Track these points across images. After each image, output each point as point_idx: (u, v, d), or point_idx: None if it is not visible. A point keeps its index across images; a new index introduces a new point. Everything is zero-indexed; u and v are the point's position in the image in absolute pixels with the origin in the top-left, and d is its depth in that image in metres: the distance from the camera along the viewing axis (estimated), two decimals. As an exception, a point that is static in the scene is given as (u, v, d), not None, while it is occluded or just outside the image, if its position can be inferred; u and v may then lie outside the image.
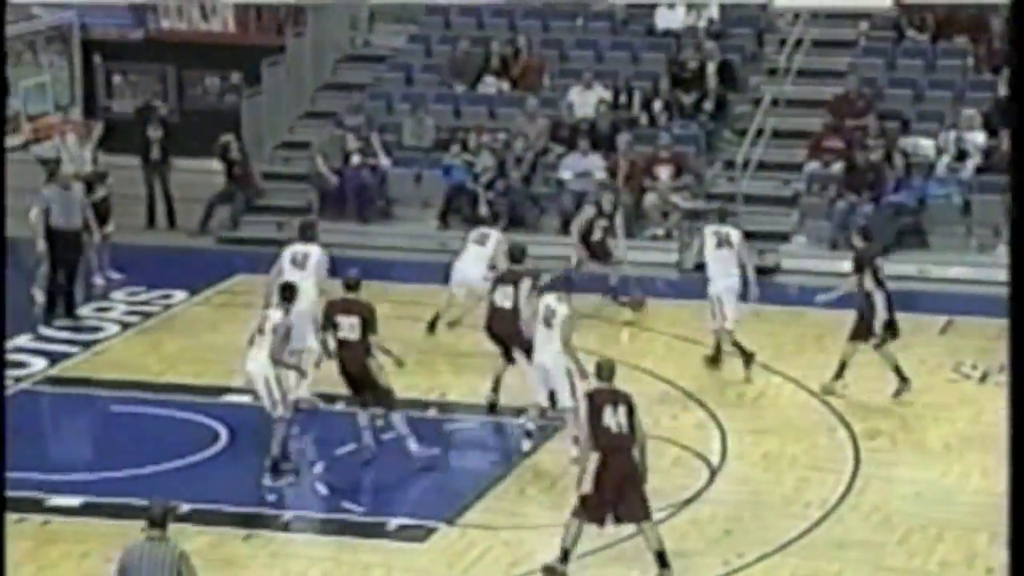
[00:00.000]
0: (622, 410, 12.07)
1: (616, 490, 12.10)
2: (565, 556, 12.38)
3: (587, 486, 12.06)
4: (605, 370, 12.34)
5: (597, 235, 18.82)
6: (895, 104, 22.35)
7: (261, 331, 14.21)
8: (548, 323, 14.50)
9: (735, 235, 16.85)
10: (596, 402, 12.15)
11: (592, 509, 12.16)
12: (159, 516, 10.10)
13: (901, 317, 16.19)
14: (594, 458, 12.03)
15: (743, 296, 16.71)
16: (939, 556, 12.97)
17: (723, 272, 16.69)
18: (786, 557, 13.00)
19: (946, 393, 16.32)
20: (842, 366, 16.04)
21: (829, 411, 15.97)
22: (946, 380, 16.66)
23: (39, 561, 12.92)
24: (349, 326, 14.39)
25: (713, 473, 14.56)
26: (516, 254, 15.99)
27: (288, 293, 14.53)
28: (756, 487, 14.33)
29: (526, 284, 15.46)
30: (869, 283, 15.82)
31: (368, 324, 14.36)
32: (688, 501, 13.96)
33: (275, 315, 14.30)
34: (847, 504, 13.93)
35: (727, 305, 16.59)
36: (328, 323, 14.50)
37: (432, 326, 17.95)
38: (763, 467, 14.74)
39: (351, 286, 14.62)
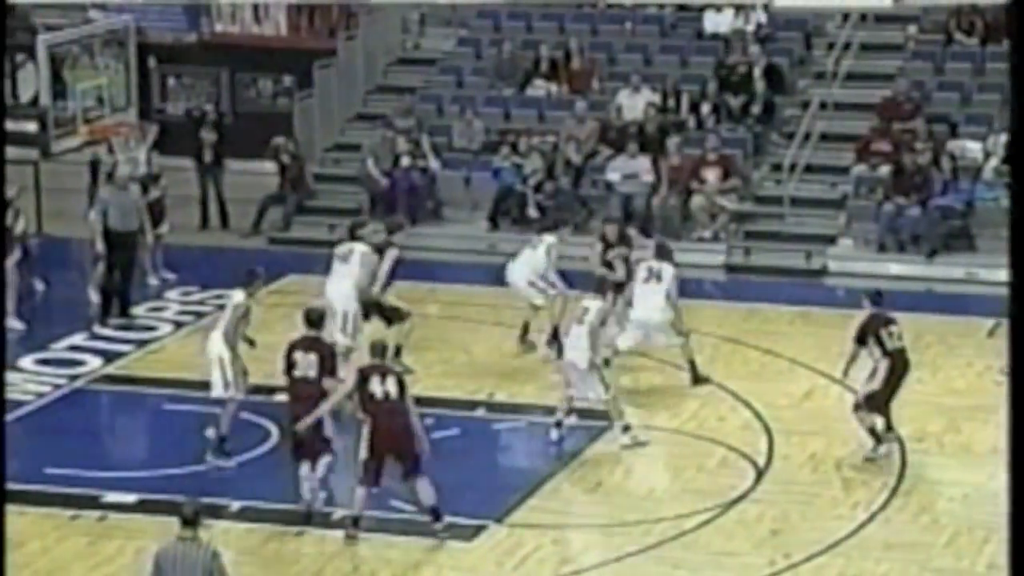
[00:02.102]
0: (390, 380, 13.00)
1: (388, 451, 13.04)
2: (355, 522, 13.23)
3: (363, 452, 13.07)
4: (378, 348, 13.32)
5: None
6: (943, 107, 22.34)
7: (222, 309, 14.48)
8: (580, 321, 14.97)
9: (667, 272, 16.37)
10: (364, 375, 13.08)
11: (370, 472, 13.11)
12: (191, 516, 10.20)
13: (949, 320, 16.17)
14: (366, 425, 13.03)
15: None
16: (986, 558, 12.99)
17: (645, 305, 16.29)
18: (833, 558, 13.06)
19: (993, 396, 16.31)
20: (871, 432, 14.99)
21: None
22: (993, 383, 16.66)
23: (94, 557, 13.11)
24: (307, 364, 13.56)
25: (760, 474, 14.63)
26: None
27: (249, 277, 14.67)
28: (803, 488, 14.38)
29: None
30: (877, 353, 14.67)
31: (324, 364, 13.53)
32: (735, 501, 14.04)
33: (237, 295, 14.51)
34: (894, 506, 13.97)
35: (653, 334, 16.44)
36: (286, 361, 13.66)
37: (524, 336, 17.63)
38: (810, 468, 14.79)
39: (313, 322, 13.79)
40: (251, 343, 15.08)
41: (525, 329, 17.52)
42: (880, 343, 14.65)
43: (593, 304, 15.19)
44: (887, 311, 15.04)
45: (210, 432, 14.60)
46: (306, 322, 13.81)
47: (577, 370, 14.99)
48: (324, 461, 13.54)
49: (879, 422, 14.78)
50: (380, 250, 16.68)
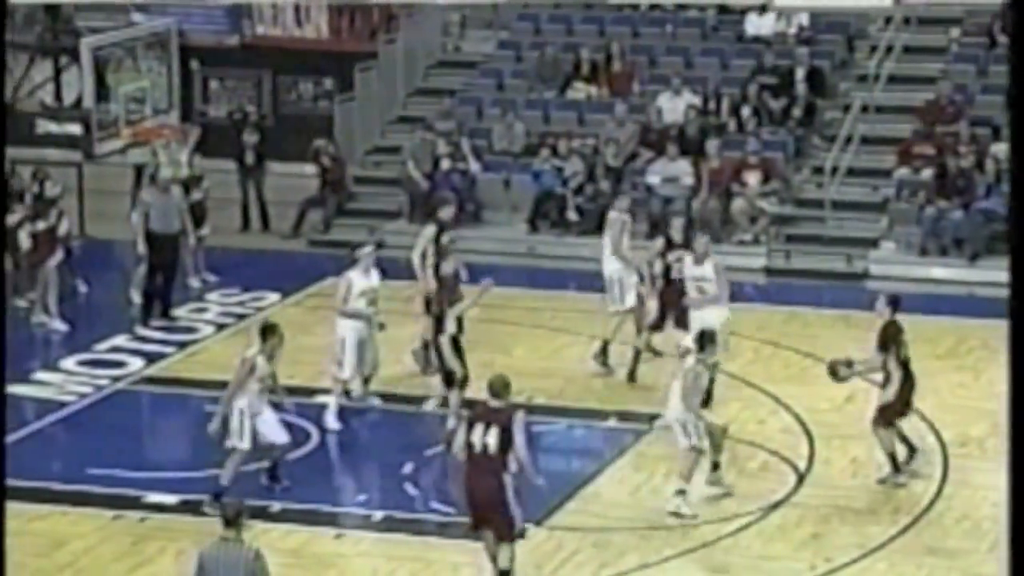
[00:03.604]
0: (493, 431, 11.53)
1: (480, 505, 11.69)
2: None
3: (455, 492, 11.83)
4: (497, 386, 11.77)
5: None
6: (986, 110, 22.23)
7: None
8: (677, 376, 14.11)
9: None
10: (471, 418, 11.76)
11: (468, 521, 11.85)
12: (233, 516, 10.20)
13: (991, 324, 16.09)
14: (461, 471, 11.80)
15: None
16: (1028, 564, 12.90)
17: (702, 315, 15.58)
18: (874, 562, 13.01)
19: (1037, 400, 16.19)
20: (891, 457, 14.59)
21: (918, 417, 15.92)
22: (1037, 387, 16.53)
23: (136, 557, 13.17)
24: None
25: (801, 478, 14.58)
26: None
27: (267, 333, 13.99)
28: (844, 492, 14.33)
29: None
30: (893, 363, 14.20)
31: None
32: (776, 505, 14.00)
33: (249, 350, 14.00)
34: (936, 511, 13.90)
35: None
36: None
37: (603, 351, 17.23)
38: (851, 472, 14.74)
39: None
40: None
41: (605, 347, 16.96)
42: (899, 351, 14.22)
43: (688, 359, 13.86)
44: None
45: (224, 481, 13.88)
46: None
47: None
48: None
49: (900, 449, 14.38)
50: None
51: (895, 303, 14.45)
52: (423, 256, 16.32)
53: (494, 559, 11.90)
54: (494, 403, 11.75)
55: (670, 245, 16.63)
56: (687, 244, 16.45)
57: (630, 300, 16.87)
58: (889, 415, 14.27)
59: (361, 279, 15.64)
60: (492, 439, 11.52)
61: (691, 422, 13.62)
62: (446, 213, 16.87)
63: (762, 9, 23.43)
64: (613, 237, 17.09)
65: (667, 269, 16.44)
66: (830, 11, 23.22)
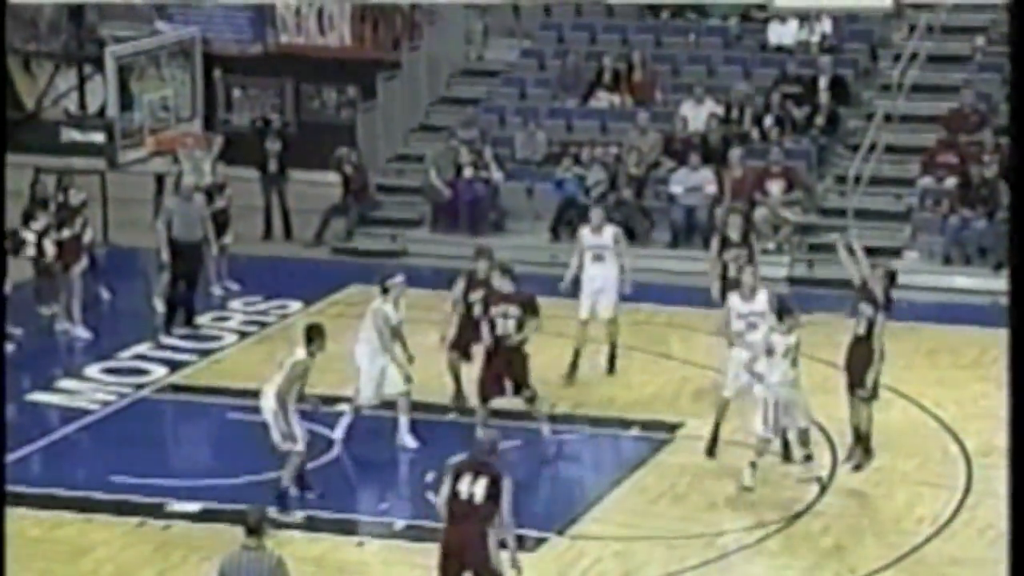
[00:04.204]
0: (481, 482, 11.24)
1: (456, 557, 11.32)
2: None
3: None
4: (486, 446, 11.55)
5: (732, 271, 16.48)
6: (1011, 119, 22.15)
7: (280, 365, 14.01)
8: (770, 352, 14.18)
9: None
10: (457, 470, 11.43)
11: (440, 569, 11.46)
12: (255, 524, 10.23)
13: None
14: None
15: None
16: (1053, 574, 12.85)
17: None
18: (898, 572, 12.98)
19: (1061, 410, 16.14)
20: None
21: (941, 427, 15.89)
22: (1061, 397, 16.47)
23: (159, 565, 13.21)
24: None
25: (823, 487, 14.55)
26: None
27: (310, 334, 14.03)
28: (867, 502, 14.30)
29: None
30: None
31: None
32: (799, 514, 13.97)
33: (298, 352, 14.04)
34: (960, 520, 13.86)
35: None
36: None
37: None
38: (874, 482, 14.69)
39: None
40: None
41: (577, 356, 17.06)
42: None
43: (783, 339, 14.11)
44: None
45: (285, 482, 14.05)
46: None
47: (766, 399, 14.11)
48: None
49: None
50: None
51: (892, 273, 14.80)
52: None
53: None
54: (481, 457, 11.43)
55: (726, 244, 16.68)
56: (745, 242, 16.59)
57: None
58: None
59: (393, 312, 15.41)
60: (479, 489, 11.21)
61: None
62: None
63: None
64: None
65: (725, 267, 16.49)
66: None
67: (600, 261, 17.05)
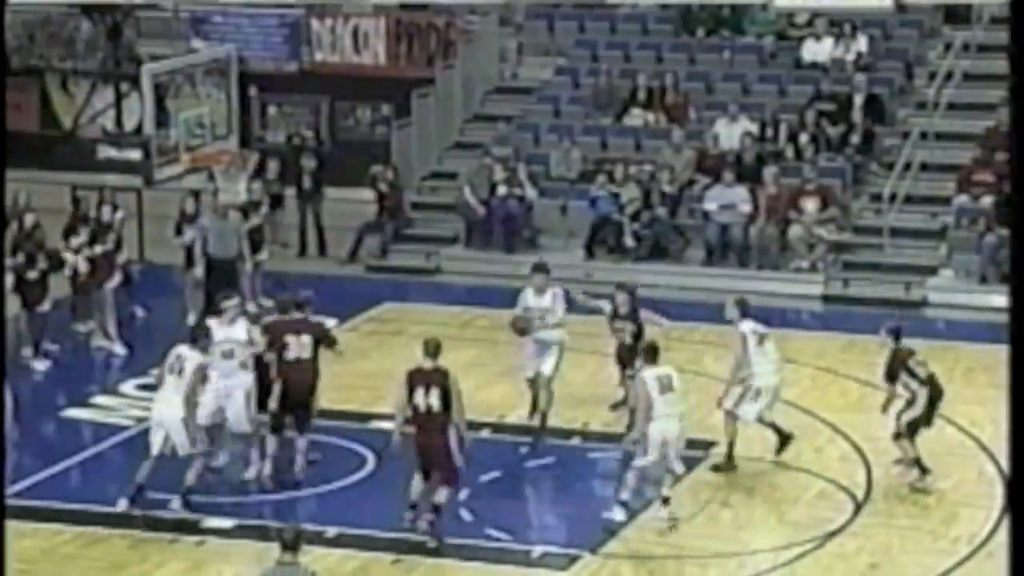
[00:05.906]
0: (434, 392, 13.18)
1: (426, 460, 13.37)
2: (413, 506, 13.56)
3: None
4: (431, 347, 13.43)
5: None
6: (1047, 137, 22.05)
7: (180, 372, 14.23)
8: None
9: (676, 378, 14.39)
10: (411, 383, 13.35)
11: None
12: (291, 540, 10.24)
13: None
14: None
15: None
16: (1090, 595, 12.74)
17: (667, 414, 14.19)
18: (932, 593, 12.92)
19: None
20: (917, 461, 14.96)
21: (977, 447, 15.80)
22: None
23: (193, 580, 13.25)
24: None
25: (858, 506, 14.48)
26: None
27: (196, 333, 14.49)
28: (903, 521, 14.22)
29: None
30: (914, 384, 14.77)
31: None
32: (833, 534, 13.91)
33: (194, 357, 14.32)
34: (996, 541, 13.76)
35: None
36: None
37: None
38: (910, 501, 14.62)
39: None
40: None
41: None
42: (913, 374, 14.80)
43: None
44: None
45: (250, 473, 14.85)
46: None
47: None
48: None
49: (915, 451, 14.89)
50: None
51: (896, 333, 14.98)
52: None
53: (429, 493, 13.46)
54: (428, 365, 13.31)
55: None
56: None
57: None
58: (915, 430, 14.80)
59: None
60: (434, 399, 13.15)
61: None
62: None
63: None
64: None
65: None
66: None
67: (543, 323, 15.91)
